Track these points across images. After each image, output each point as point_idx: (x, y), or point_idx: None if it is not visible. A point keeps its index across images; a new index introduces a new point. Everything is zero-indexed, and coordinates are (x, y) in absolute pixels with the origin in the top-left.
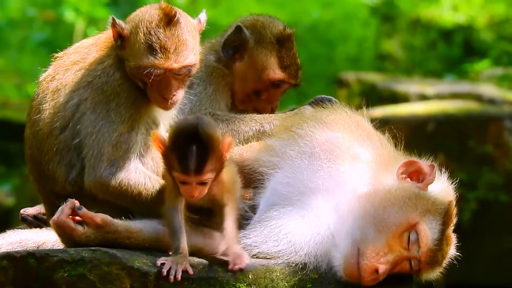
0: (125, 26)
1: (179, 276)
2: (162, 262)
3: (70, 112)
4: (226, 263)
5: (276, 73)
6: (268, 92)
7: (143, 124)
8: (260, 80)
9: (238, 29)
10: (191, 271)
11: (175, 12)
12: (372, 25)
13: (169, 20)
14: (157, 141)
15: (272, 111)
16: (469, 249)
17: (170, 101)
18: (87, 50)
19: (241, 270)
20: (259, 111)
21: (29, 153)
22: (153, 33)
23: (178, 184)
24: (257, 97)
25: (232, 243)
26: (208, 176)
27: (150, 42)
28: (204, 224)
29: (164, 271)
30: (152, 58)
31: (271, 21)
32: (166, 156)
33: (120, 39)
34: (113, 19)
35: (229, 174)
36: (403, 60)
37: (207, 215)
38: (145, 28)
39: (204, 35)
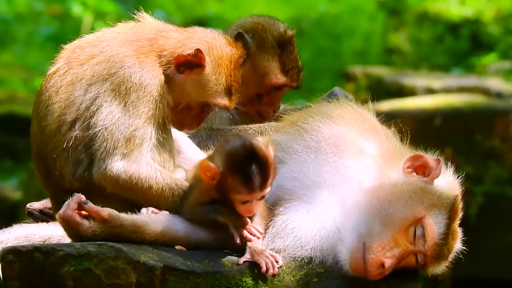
0: (207, 58)
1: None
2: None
3: (84, 105)
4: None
5: (278, 78)
6: (270, 95)
7: (158, 121)
8: (262, 85)
9: (240, 35)
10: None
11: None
12: (379, 19)
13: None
14: (206, 170)
15: (274, 113)
16: (476, 243)
17: (193, 129)
18: (107, 43)
19: (273, 275)
20: (261, 114)
21: (35, 149)
22: (232, 76)
23: (236, 203)
24: (259, 100)
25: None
26: (269, 188)
27: (229, 85)
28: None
29: (264, 268)
30: (227, 100)
31: (272, 24)
32: (222, 181)
33: (189, 65)
34: (200, 50)
35: None
36: (410, 54)
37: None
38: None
39: None
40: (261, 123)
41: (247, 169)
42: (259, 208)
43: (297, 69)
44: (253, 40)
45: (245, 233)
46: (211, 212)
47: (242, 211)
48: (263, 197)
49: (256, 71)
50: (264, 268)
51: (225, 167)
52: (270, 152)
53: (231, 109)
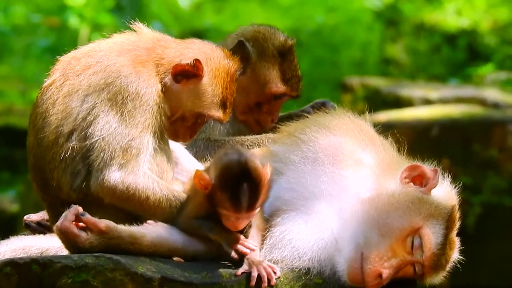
0: (204, 69)
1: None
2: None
3: (81, 116)
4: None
5: (278, 86)
6: (270, 104)
7: (155, 130)
8: (262, 94)
9: (241, 44)
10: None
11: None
12: (376, 30)
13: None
14: (200, 179)
15: (272, 122)
16: (474, 253)
17: (186, 140)
18: (103, 53)
19: (271, 286)
20: (260, 123)
21: (32, 161)
22: (228, 88)
23: (223, 218)
24: (258, 109)
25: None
26: (257, 210)
27: (224, 98)
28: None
29: (253, 283)
30: (222, 113)
31: (272, 33)
32: (213, 194)
33: (187, 75)
34: (199, 61)
35: None
36: (407, 65)
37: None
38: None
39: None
40: (259, 132)
41: (236, 188)
42: (254, 220)
43: (297, 78)
44: (253, 49)
45: (240, 247)
46: (204, 227)
47: (229, 226)
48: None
49: (256, 79)
50: (253, 283)
51: (217, 180)
52: (267, 173)
53: (224, 122)
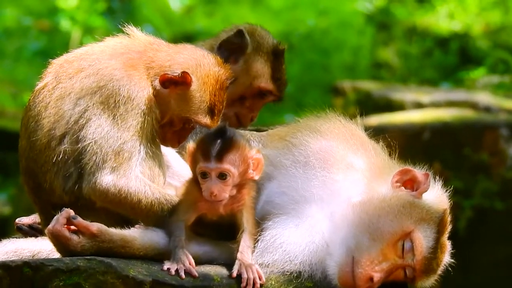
0: (193, 78)
1: (183, 274)
2: (168, 267)
3: (73, 119)
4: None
5: (267, 83)
6: (254, 100)
7: (146, 134)
8: (250, 87)
9: (240, 33)
10: (195, 273)
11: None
12: (368, 33)
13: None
14: (188, 147)
15: (251, 120)
16: (465, 257)
17: (174, 146)
18: (96, 56)
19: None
20: (240, 118)
21: (25, 164)
22: (217, 95)
23: (200, 182)
24: (240, 103)
25: (245, 253)
26: (228, 167)
27: (212, 104)
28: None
29: (172, 271)
30: (209, 119)
31: (267, 33)
32: (193, 157)
33: (175, 82)
34: (187, 73)
35: (251, 196)
36: (399, 68)
37: (214, 231)
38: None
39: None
40: (237, 126)
41: (209, 140)
42: (246, 225)
43: (284, 81)
44: (251, 42)
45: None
46: (174, 234)
47: (204, 189)
48: (224, 178)
49: (247, 71)
50: (244, 284)
51: (196, 142)
52: (252, 152)
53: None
